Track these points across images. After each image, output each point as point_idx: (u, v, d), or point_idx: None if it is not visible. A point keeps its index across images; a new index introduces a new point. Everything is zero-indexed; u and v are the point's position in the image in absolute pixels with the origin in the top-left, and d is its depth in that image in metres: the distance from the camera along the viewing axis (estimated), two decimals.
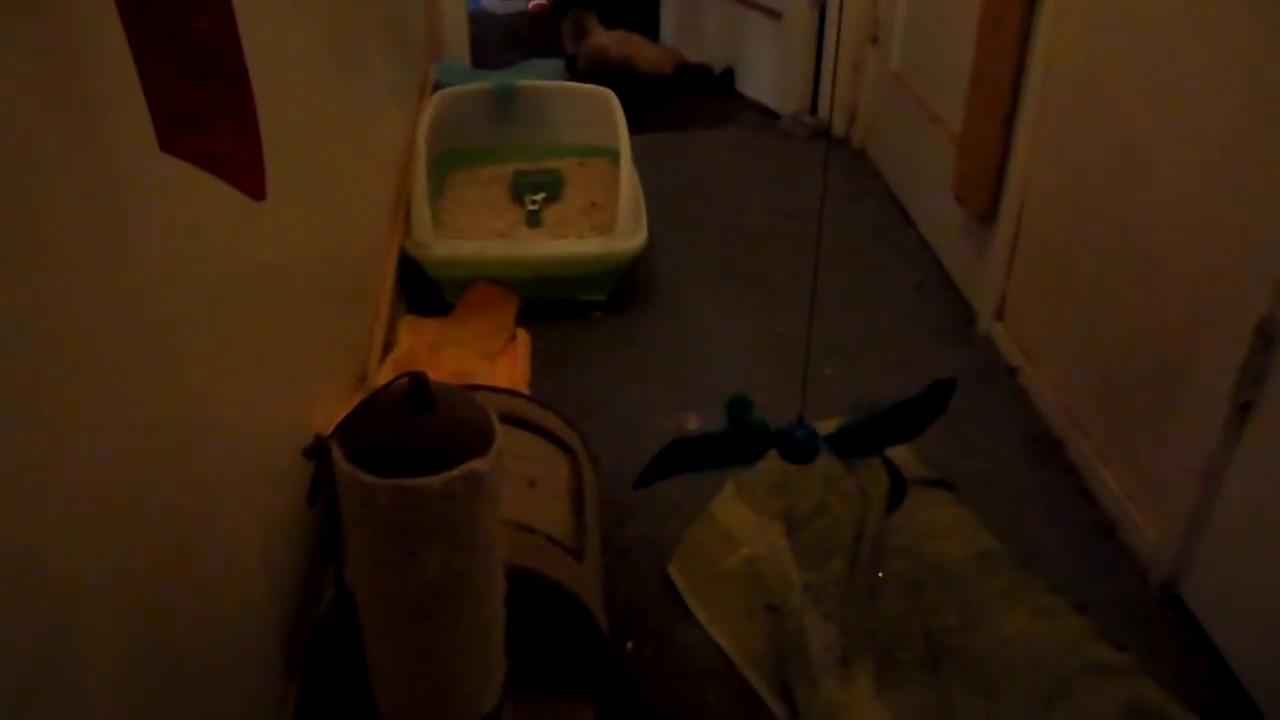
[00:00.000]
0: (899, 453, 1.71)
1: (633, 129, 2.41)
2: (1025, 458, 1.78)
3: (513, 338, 2.03)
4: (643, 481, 1.19)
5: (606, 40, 3.60)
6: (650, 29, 3.86)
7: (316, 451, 0.86)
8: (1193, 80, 1.41)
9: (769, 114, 3.33)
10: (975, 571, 1.49)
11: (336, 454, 0.82)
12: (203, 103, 0.71)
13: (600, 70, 3.46)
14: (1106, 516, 1.63)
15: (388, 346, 1.88)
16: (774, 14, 3.22)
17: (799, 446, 1.14)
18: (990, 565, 1.50)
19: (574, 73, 3.50)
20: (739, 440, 1.15)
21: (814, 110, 3.21)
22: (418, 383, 0.82)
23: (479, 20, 4.03)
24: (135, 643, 0.81)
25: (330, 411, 1.42)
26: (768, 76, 3.35)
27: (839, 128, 3.11)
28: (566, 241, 2.25)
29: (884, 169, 2.86)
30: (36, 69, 0.68)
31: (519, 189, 2.49)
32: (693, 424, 1.85)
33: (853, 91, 3.03)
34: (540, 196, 2.44)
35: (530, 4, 4.45)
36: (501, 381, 1.83)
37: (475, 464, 0.81)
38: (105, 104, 0.76)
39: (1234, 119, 1.32)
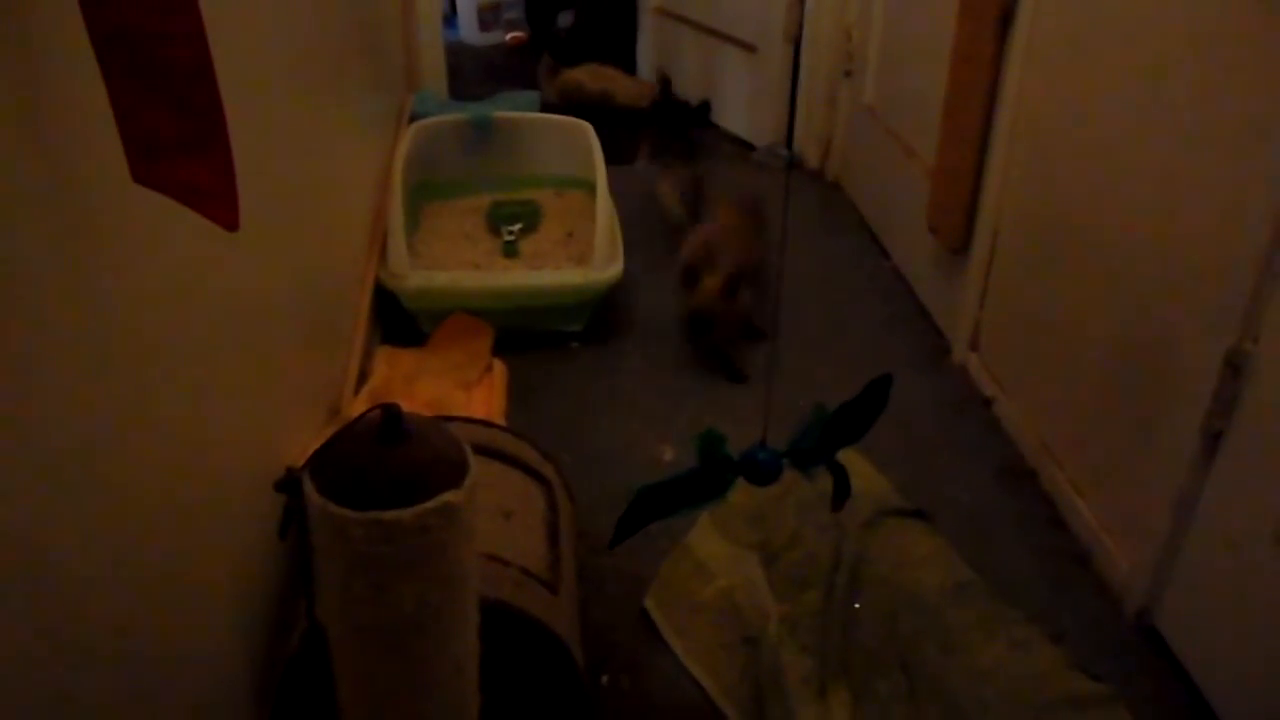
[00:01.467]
0: (878, 485, 1.73)
1: (609, 160, 2.42)
2: (1000, 487, 1.79)
3: (489, 368, 2.02)
4: (616, 539, 1.18)
5: (582, 75, 3.63)
6: (627, 62, 3.89)
7: (288, 484, 0.85)
8: (1161, 115, 1.43)
9: (744, 146, 3.36)
10: (951, 602, 1.49)
11: (308, 486, 0.81)
12: (176, 133, 0.71)
13: (577, 104, 3.48)
14: (1081, 546, 1.64)
15: (363, 377, 1.87)
16: (749, 48, 3.26)
17: (763, 468, 1.14)
18: (966, 596, 1.50)
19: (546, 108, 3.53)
20: (705, 476, 1.15)
21: (789, 143, 3.24)
22: (390, 414, 0.81)
23: (457, 52, 4.05)
24: (99, 676, 0.79)
25: (303, 443, 1.40)
26: (743, 109, 3.38)
27: (814, 160, 3.14)
28: (543, 272, 2.26)
29: (858, 201, 2.89)
30: (2, 95, 0.67)
31: (495, 220, 2.49)
32: (669, 455, 1.85)
33: (827, 125, 3.07)
34: (517, 227, 2.44)
35: (507, 36, 4.48)
36: (477, 412, 1.83)
37: (449, 496, 0.80)
38: (76, 132, 0.76)
39: (1202, 152, 1.34)
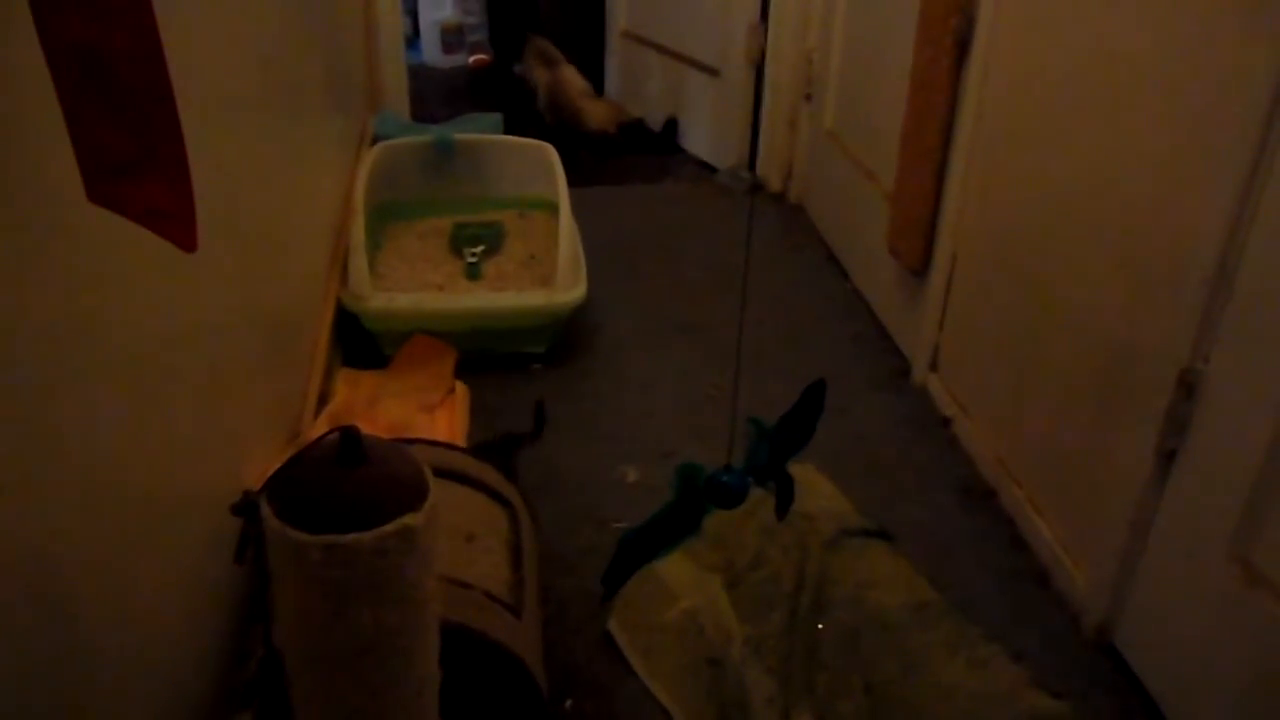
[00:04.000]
0: (840, 505, 1.73)
1: (572, 182, 2.43)
2: (959, 507, 1.81)
3: (451, 391, 2.01)
4: (609, 593, 1.17)
5: (571, 74, 3.65)
6: (594, 84, 3.91)
7: (245, 508, 0.84)
8: (1115, 139, 1.46)
9: (707, 168, 3.38)
10: (913, 622, 1.49)
11: (265, 510, 0.80)
12: (133, 152, 0.70)
13: (554, 108, 3.56)
14: (1040, 564, 1.65)
15: (323, 399, 1.85)
16: (712, 71, 3.28)
17: (730, 491, 1.14)
18: (928, 615, 1.51)
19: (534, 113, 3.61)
20: (681, 509, 1.14)
21: (752, 165, 3.27)
22: (349, 436, 0.81)
23: (419, 74, 4.05)
24: (52, 701, 0.77)
25: (262, 467, 1.39)
26: (706, 132, 3.41)
27: (776, 183, 3.16)
28: (506, 294, 2.25)
29: (820, 223, 2.91)
30: None
31: (458, 241, 2.48)
32: (632, 476, 1.84)
33: (788, 148, 3.10)
34: (480, 249, 2.44)
35: (471, 59, 4.49)
36: (440, 435, 1.81)
37: (408, 519, 0.80)
38: (28, 151, 0.75)
39: (1155, 176, 1.37)
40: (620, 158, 3.48)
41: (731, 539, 1.64)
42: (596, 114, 3.61)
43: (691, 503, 1.14)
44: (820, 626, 1.49)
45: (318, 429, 1.70)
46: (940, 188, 2.00)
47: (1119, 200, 1.45)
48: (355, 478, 0.80)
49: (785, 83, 3.01)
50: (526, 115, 3.62)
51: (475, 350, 2.14)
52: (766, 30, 3.04)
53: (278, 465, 0.83)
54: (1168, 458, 1.34)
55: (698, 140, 3.47)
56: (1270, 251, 1.16)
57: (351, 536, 0.77)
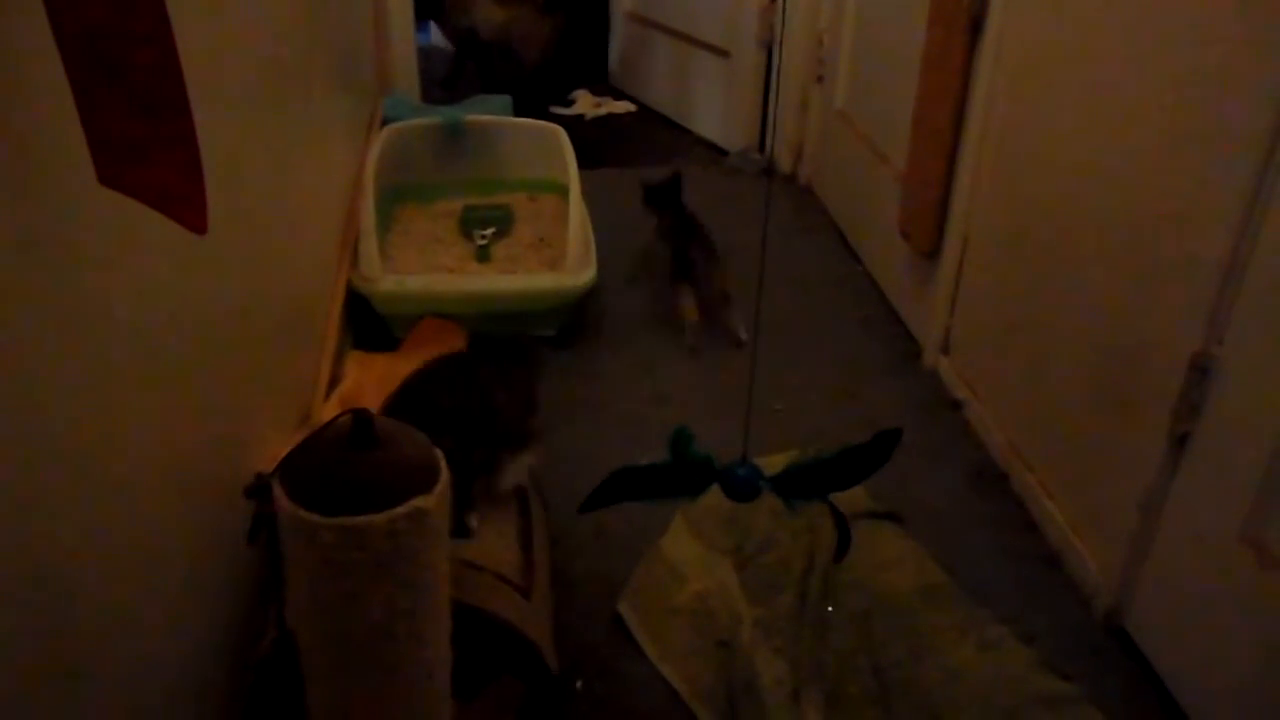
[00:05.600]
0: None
1: (582, 164, 2.42)
2: (971, 490, 1.80)
3: None
4: (587, 506, 1.18)
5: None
6: (599, 67, 3.90)
7: (257, 490, 0.84)
8: (1128, 121, 1.45)
9: (717, 150, 3.37)
10: (923, 604, 1.50)
11: (278, 491, 0.80)
12: (143, 135, 0.70)
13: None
14: (1051, 547, 1.65)
15: (334, 382, 1.85)
16: (722, 53, 3.27)
17: (741, 485, 1.14)
18: (938, 598, 1.51)
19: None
20: (684, 472, 1.15)
21: (762, 147, 3.26)
22: (361, 419, 0.81)
23: (429, 56, 4.03)
24: (67, 680, 0.78)
25: (273, 449, 1.39)
26: (716, 114, 3.39)
27: (786, 165, 3.15)
28: (516, 276, 2.25)
29: (831, 205, 2.90)
30: None
31: (468, 224, 2.48)
32: (644, 460, 1.84)
33: (799, 129, 3.08)
34: (490, 231, 2.44)
35: None
36: None
37: (420, 501, 0.80)
38: (40, 135, 0.75)
39: (1168, 158, 1.36)
40: (629, 138, 3.47)
41: (742, 521, 1.64)
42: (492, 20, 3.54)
43: (689, 468, 1.14)
44: (830, 609, 1.49)
45: (329, 411, 1.70)
46: (952, 170, 1.99)
47: (1132, 182, 1.44)
48: (367, 460, 0.81)
49: (796, 64, 3.00)
50: (533, 93, 3.61)
51: (485, 333, 2.14)
52: (778, 11, 3.02)
53: (290, 448, 0.84)
54: (1180, 441, 1.34)
55: (707, 123, 3.45)
56: None
57: (363, 518, 0.78)
